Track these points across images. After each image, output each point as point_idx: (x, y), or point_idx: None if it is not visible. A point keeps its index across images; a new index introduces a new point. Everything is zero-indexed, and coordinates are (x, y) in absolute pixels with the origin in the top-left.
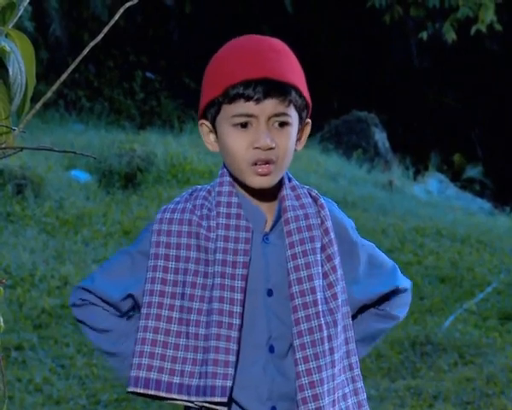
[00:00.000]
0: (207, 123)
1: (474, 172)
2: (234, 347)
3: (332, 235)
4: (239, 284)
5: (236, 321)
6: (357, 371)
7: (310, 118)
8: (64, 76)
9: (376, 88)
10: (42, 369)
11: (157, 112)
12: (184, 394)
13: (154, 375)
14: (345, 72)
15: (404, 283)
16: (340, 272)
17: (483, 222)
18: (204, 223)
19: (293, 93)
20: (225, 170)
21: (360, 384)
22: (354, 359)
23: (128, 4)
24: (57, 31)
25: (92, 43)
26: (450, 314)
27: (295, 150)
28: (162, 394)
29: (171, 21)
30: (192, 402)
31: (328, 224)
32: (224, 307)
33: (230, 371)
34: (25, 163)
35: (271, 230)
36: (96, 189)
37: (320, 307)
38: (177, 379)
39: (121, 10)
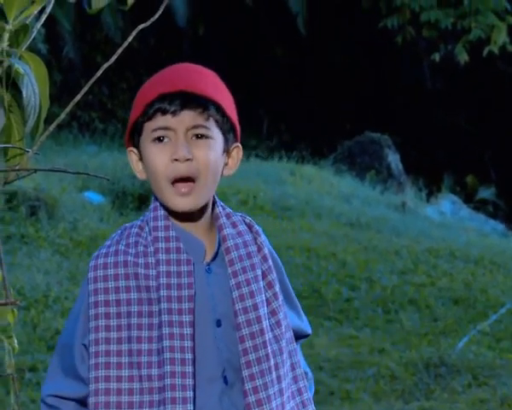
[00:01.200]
0: (134, 149)
1: (486, 193)
2: (190, 382)
3: (270, 262)
4: (187, 318)
5: (189, 356)
6: (306, 396)
7: (239, 142)
8: (77, 98)
9: (389, 109)
10: None
11: None
12: None
13: None
14: (358, 93)
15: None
16: (281, 297)
17: (496, 243)
18: (141, 260)
19: (212, 108)
20: (158, 203)
21: (311, 408)
22: (302, 383)
23: (141, 26)
24: (70, 53)
25: (105, 65)
26: (464, 336)
27: (222, 175)
28: None
29: (184, 43)
30: None
31: (266, 250)
32: (175, 344)
33: (189, 407)
34: (39, 185)
35: (213, 260)
36: (110, 210)
37: (266, 335)
38: None
39: (134, 32)
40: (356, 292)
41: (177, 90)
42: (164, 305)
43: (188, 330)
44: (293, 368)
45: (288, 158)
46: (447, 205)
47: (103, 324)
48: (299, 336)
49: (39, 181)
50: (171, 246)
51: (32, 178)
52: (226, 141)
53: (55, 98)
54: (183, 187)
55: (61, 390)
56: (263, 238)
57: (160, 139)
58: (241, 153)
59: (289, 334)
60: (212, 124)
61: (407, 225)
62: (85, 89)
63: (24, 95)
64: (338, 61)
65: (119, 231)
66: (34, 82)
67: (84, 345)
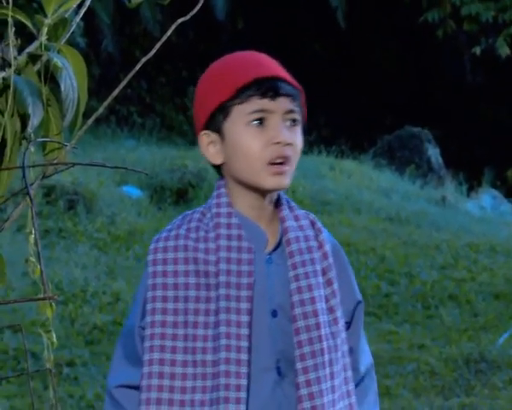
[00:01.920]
0: (210, 132)
1: None
2: (244, 370)
3: (331, 259)
4: (244, 305)
5: (245, 344)
6: (353, 399)
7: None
8: (116, 92)
9: (429, 103)
10: (94, 385)
11: None
12: None
13: (164, 408)
14: (398, 87)
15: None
16: (339, 297)
17: None
18: (201, 245)
19: (299, 96)
20: (222, 191)
21: None
22: (351, 386)
23: (180, 20)
24: (109, 46)
25: (144, 59)
26: (505, 331)
27: None
28: None
29: (223, 37)
30: None
31: (327, 248)
32: (232, 331)
33: (243, 394)
34: (76, 179)
35: (274, 250)
36: (148, 204)
37: (322, 330)
38: (188, 409)
39: (173, 26)
40: (395, 287)
41: (272, 76)
42: (222, 291)
43: (245, 318)
44: (345, 369)
45: (327, 152)
46: (488, 199)
47: (160, 306)
48: None
49: (77, 175)
50: (233, 233)
51: (70, 172)
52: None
53: (93, 92)
54: (279, 167)
55: (129, 379)
56: (325, 236)
57: (258, 121)
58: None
59: (344, 335)
60: (299, 111)
61: (447, 219)
62: (124, 83)
63: (62, 89)
64: (377, 55)
65: (181, 217)
66: (72, 76)
67: (142, 327)
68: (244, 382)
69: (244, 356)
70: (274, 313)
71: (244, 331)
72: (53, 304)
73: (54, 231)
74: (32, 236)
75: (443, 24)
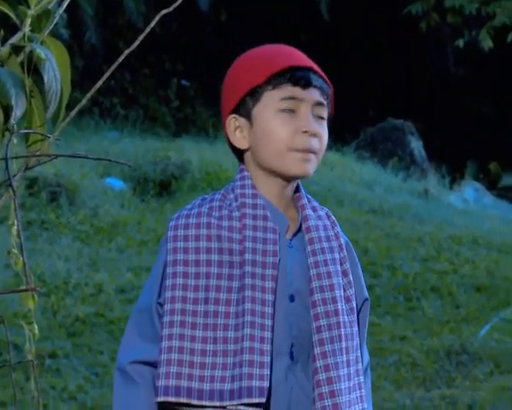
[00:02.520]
0: (239, 117)
1: (510, 180)
2: (268, 348)
3: (345, 252)
4: (269, 284)
5: (269, 322)
6: (364, 392)
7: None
8: (99, 83)
9: (413, 96)
10: (76, 377)
11: (192, 119)
12: (216, 400)
13: (184, 382)
14: (381, 79)
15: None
16: (354, 288)
17: None
18: (225, 223)
19: (329, 94)
20: (246, 173)
21: (366, 406)
22: (362, 378)
23: (164, 12)
24: (92, 38)
25: (127, 51)
26: (486, 323)
27: None
28: (194, 401)
29: (207, 29)
30: (224, 407)
31: (342, 240)
32: (257, 308)
33: (266, 371)
34: (59, 171)
35: (294, 236)
36: (131, 196)
37: (341, 317)
38: (207, 386)
39: (157, 18)
40: (378, 279)
41: (306, 66)
42: (248, 268)
43: (269, 297)
44: (357, 361)
45: None
46: (470, 192)
47: (181, 282)
48: None
49: (60, 167)
50: (259, 213)
51: (53, 163)
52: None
53: (76, 84)
54: (304, 155)
55: (143, 355)
56: (339, 229)
57: (290, 109)
58: None
59: (356, 327)
60: (327, 106)
61: (430, 212)
62: (107, 74)
63: (45, 80)
64: (361, 47)
65: (200, 199)
66: (56, 67)
67: (160, 304)
68: (267, 359)
69: (268, 334)
70: (291, 298)
71: (269, 310)
72: (35, 296)
73: (36, 222)
74: (15, 227)
75: (426, 16)
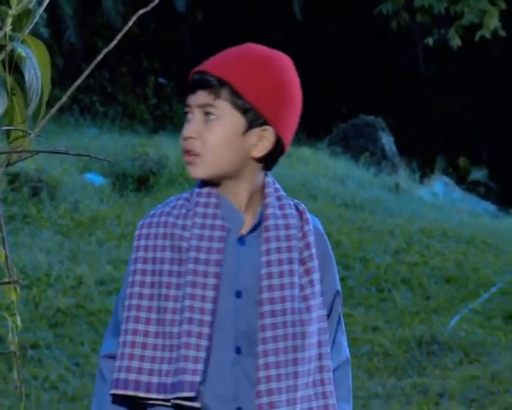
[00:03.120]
0: None
1: (478, 175)
2: (204, 343)
3: (313, 250)
4: (211, 281)
5: (207, 318)
6: (329, 388)
7: (277, 127)
8: (78, 81)
9: (384, 93)
10: (57, 367)
11: (169, 116)
12: (162, 393)
13: (132, 376)
14: (353, 77)
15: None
16: (318, 287)
17: (488, 224)
18: (180, 222)
19: (225, 89)
20: None
21: (332, 401)
22: (327, 375)
23: (141, 11)
24: (72, 37)
25: (106, 50)
26: (456, 314)
27: (252, 155)
28: (141, 394)
29: (184, 28)
30: (168, 401)
31: (311, 239)
32: (195, 305)
33: (200, 366)
34: (40, 166)
35: (249, 233)
36: (110, 191)
37: (289, 316)
38: (155, 379)
39: (134, 17)
40: (350, 271)
41: (200, 71)
42: (190, 266)
43: (210, 293)
44: (320, 358)
45: None
46: (440, 186)
47: (139, 279)
48: None
49: (41, 163)
50: (209, 211)
51: (34, 159)
52: (248, 121)
53: (56, 82)
54: (185, 157)
55: (112, 350)
56: (311, 227)
57: (188, 116)
58: (269, 135)
59: (323, 324)
60: (221, 104)
61: (400, 205)
62: (86, 73)
63: (26, 78)
64: (333, 45)
65: (178, 195)
66: (36, 66)
67: (125, 299)
68: (202, 354)
69: (205, 330)
70: (238, 294)
71: (208, 306)
72: (17, 288)
73: (18, 217)
74: None
75: (397, 16)
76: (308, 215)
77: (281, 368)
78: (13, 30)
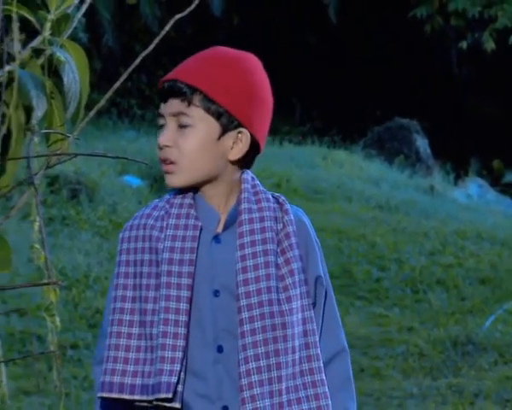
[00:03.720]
0: None
1: None
2: (181, 343)
3: (293, 239)
4: (185, 281)
5: (183, 318)
6: (319, 377)
7: (254, 131)
8: (116, 85)
9: (418, 96)
10: None
11: None
12: (144, 394)
13: (117, 378)
14: (388, 80)
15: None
16: (299, 276)
17: None
18: (158, 224)
19: (196, 95)
20: None
21: (323, 390)
22: (316, 364)
23: (178, 16)
24: (110, 42)
25: (143, 54)
26: (491, 315)
27: (229, 159)
28: (125, 396)
29: (220, 32)
30: (150, 402)
31: (290, 228)
32: (171, 305)
33: (176, 367)
34: (79, 169)
35: (224, 230)
36: (148, 193)
37: (266, 308)
38: (139, 380)
39: (171, 22)
40: (385, 272)
41: (171, 79)
42: (164, 267)
43: (184, 293)
44: (307, 347)
45: (319, 143)
46: (474, 188)
47: (122, 282)
48: None
49: (80, 165)
50: (183, 212)
51: (73, 162)
52: (222, 126)
53: (94, 85)
54: (163, 166)
55: (102, 352)
56: (291, 217)
57: (161, 125)
58: (245, 138)
59: (308, 314)
60: (194, 111)
61: (435, 207)
62: (124, 76)
63: (65, 82)
64: (368, 49)
65: (162, 197)
66: (75, 70)
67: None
68: (179, 355)
69: (182, 330)
70: (216, 293)
71: (183, 306)
72: (57, 289)
73: (57, 219)
74: (37, 223)
75: (431, 19)
76: (288, 206)
77: (260, 360)
78: (52, 34)
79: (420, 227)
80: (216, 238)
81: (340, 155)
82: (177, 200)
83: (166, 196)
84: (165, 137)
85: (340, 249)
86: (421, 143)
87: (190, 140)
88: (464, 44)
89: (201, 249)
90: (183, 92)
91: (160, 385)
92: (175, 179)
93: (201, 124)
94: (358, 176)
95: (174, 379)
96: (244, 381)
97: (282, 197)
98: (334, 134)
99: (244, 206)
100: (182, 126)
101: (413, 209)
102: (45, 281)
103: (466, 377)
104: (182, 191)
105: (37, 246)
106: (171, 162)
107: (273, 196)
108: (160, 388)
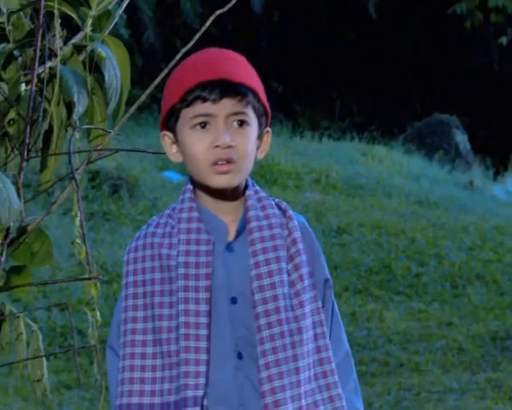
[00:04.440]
0: (169, 133)
1: None
2: (203, 357)
3: (300, 245)
4: (203, 295)
5: (204, 332)
6: (332, 379)
7: (269, 126)
8: (157, 80)
9: (458, 91)
10: None
11: None
12: None
13: (135, 399)
14: (427, 76)
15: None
16: (308, 281)
17: None
18: (166, 241)
19: (251, 95)
20: (188, 186)
21: (336, 392)
22: (328, 366)
23: (218, 12)
24: (151, 37)
25: (184, 49)
26: None
27: (256, 158)
28: None
29: (260, 29)
30: None
31: (296, 234)
32: (191, 320)
33: (201, 380)
34: (120, 164)
35: (236, 239)
36: None
37: (283, 314)
38: (158, 399)
39: (212, 18)
40: (425, 268)
41: (216, 79)
42: (181, 283)
43: (203, 307)
44: (318, 351)
45: (359, 139)
46: None
47: (131, 303)
48: None
49: (121, 161)
50: (192, 226)
51: (114, 157)
52: (260, 126)
53: (136, 81)
54: (222, 167)
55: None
56: (295, 223)
57: (201, 125)
58: (270, 137)
59: (318, 317)
60: (249, 110)
61: (474, 203)
62: (165, 72)
63: (106, 78)
64: (408, 45)
65: (159, 214)
66: (116, 65)
67: (119, 326)
68: (203, 368)
69: (203, 344)
70: (233, 300)
71: (203, 320)
72: (98, 284)
73: (98, 214)
74: (78, 218)
75: (471, 15)
76: (291, 212)
77: (281, 366)
78: (93, 31)
79: (459, 223)
80: (228, 247)
81: (380, 150)
82: (184, 214)
83: (166, 212)
84: (229, 137)
85: (379, 245)
86: (461, 139)
87: (248, 140)
88: (504, 40)
89: (216, 260)
90: (240, 92)
91: (187, 400)
92: (233, 180)
93: (254, 123)
94: (398, 171)
95: (200, 393)
96: (266, 386)
97: (284, 203)
98: (374, 130)
99: (252, 213)
100: (241, 126)
101: (452, 205)
102: (86, 276)
103: (505, 371)
104: (185, 205)
105: (78, 241)
106: (233, 162)
107: (275, 203)
108: (186, 403)
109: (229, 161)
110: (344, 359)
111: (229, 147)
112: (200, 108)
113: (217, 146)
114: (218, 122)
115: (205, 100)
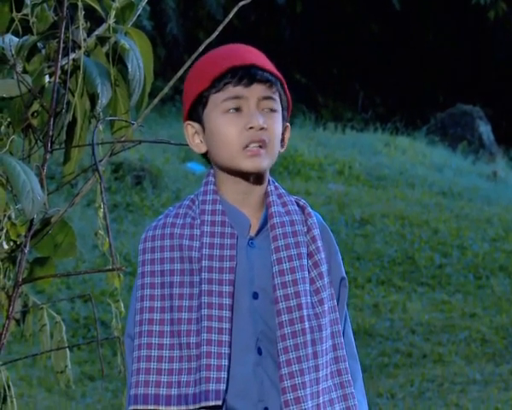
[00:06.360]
0: (193, 123)
1: None
2: (226, 350)
3: (319, 243)
4: (227, 289)
5: (226, 325)
6: (346, 377)
7: (289, 122)
8: (180, 72)
9: (481, 82)
10: None
11: None
12: (183, 404)
13: (151, 390)
14: (450, 66)
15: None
16: (327, 279)
17: None
18: (187, 232)
19: (279, 84)
20: (210, 179)
21: (350, 390)
22: (343, 365)
23: (242, 3)
24: (174, 29)
25: (207, 41)
26: None
27: (279, 152)
28: (162, 407)
29: (283, 20)
30: None
31: (316, 232)
32: (214, 313)
33: (223, 374)
34: (143, 156)
35: (257, 234)
36: None
37: (304, 311)
38: (175, 391)
39: (235, 9)
40: (448, 259)
41: (247, 64)
42: (205, 275)
43: (227, 301)
44: (335, 349)
45: (382, 130)
46: None
47: (148, 293)
48: None
49: (144, 152)
50: (217, 219)
51: (137, 149)
52: (283, 117)
53: (159, 73)
54: (253, 150)
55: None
56: (315, 220)
57: (234, 109)
58: (289, 132)
59: (334, 315)
60: (277, 98)
61: (498, 194)
62: (188, 63)
63: (129, 69)
64: (431, 36)
65: (176, 205)
66: (139, 57)
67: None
68: (225, 362)
69: (226, 337)
70: (255, 296)
71: (226, 313)
72: (121, 275)
73: (122, 205)
74: (101, 210)
75: (494, 6)
76: (310, 209)
77: (302, 363)
78: (116, 22)
79: (482, 213)
80: (250, 242)
81: (403, 141)
82: (208, 206)
83: (185, 202)
84: (262, 119)
85: (402, 236)
86: (485, 130)
87: (278, 124)
88: None
89: (239, 254)
90: (270, 79)
91: (208, 393)
92: (264, 162)
93: (280, 111)
94: (421, 162)
95: (223, 386)
96: (287, 383)
97: (303, 200)
98: (397, 121)
99: (274, 209)
100: (272, 111)
101: (476, 195)
102: (110, 267)
103: None
104: (208, 197)
105: (101, 232)
106: (264, 146)
107: (294, 199)
108: (207, 396)
109: (261, 144)
110: (354, 360)
111: (262, 128)
112: (231, 91)
113: (251, 128)
114: (250, 105)
115: (236, 84)
